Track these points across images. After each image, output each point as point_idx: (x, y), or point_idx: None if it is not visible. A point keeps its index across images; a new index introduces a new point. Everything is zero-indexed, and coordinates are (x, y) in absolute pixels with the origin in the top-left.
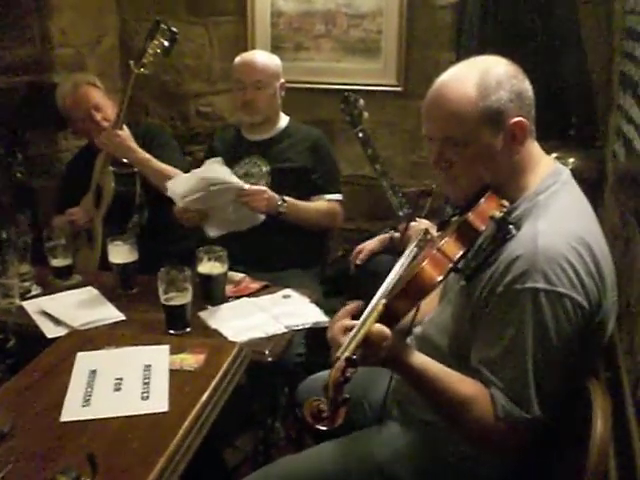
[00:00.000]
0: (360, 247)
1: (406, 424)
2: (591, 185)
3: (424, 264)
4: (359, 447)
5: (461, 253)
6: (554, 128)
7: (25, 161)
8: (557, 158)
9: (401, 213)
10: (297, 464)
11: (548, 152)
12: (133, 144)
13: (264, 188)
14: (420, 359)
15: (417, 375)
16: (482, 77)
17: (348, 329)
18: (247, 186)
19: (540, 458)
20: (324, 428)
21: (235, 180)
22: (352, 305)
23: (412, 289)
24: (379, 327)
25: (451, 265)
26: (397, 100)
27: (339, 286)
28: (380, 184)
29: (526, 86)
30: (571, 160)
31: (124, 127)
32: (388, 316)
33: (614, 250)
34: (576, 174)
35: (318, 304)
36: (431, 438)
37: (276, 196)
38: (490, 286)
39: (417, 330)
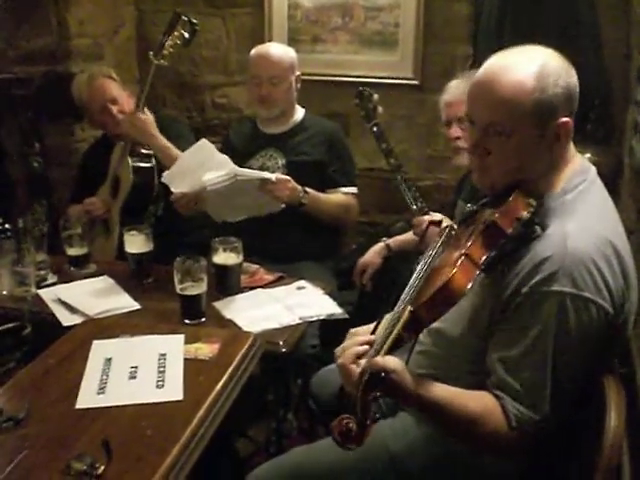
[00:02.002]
0: (361, 265)
1: (419, 416)
2: (607, 180)
3: (454, 272)
4: (372, 439)
5: (486, 256)
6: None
7: (42, 151)
8: None
9: (414, 207)
10: (309, 455)
11: None
12: (155, 130)
13: (288, 178)
14: (423, 388)
15: (423, 405)
16: (541, 69)
17: (360, 356)
18: (274, 177)
19: (553, 452)
20: (353, 447)
21: (264, 173)
22: (362, 338)
23: (441, 298)
24: (388, 359)
25: (478, 272)
26: (413, 93)
27: (353, 279)
28: (394, 178)
29: (576, 82)
30: (588, 155)
31: (147, 112)
32: (414, 324)
33: (630, 245)
34: None
35: (332, 296)
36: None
37: (298, 187)
38: (515, 285)
39: None
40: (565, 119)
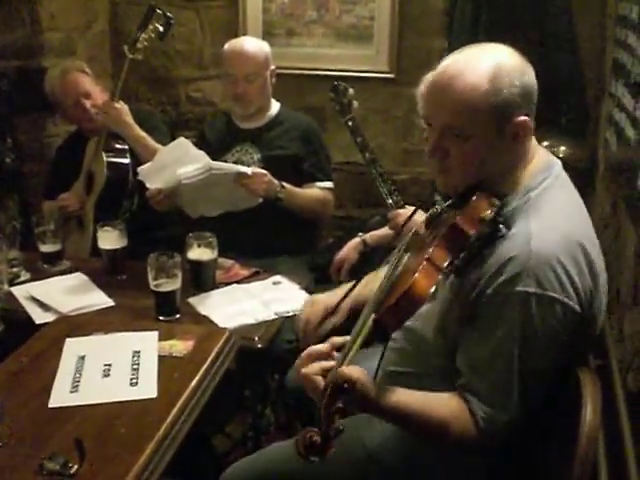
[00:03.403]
0: (338, 262)
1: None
2: (582, 173)
3: (416, 277)
4: (349, 434)
5: (451, 259)
6: (545, 116)
7: (14, 146)
8: (548, 146)
9: (390, 201)
10: (286, 450)
11: (539, 140)
12: (130, 119)
13: (264, 172)
14: (389, 398)
15: (390, 415)
16: (496, 71)
17: (326, 370)
18: (250, 171)
19: (530, 445)
20: (317, 459)
21: (240, 167)
22: (317, 349)
23: (403, 304)
24: (351, 369)
25: (441, 276)
26: (389, 87)
27: (329, 273)
28: (370, 172)
29: (534, 81)
30: (562, 148)
31: (122, 103)
32: (378, 330)
33: (604, 238)
34: (567, 162)
35: (308, 291)
36: None
37: (275, 181)
38: (481, 287)
39: None
40: (523, 118)
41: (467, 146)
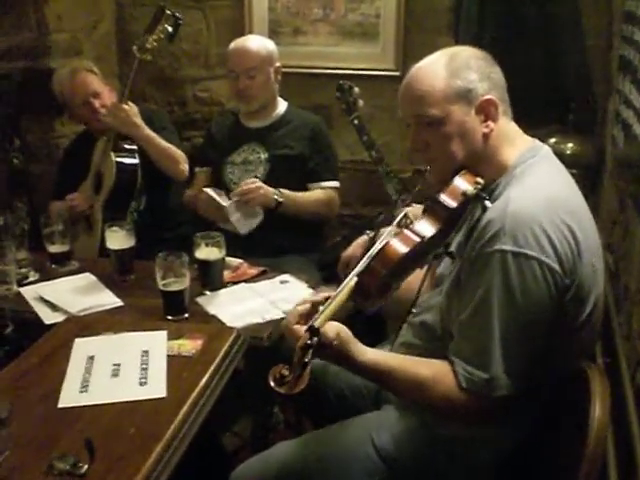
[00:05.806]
0: (345, 259)
1: (402, 408)
2: (590, 170)
3: (391, 240)
4: (358, 432)
5: (433, 231)
6: (553, 113)
7: (22, 147)
8: (556, 143)
9: (396, 199)
10: (296, 448)
11: (547, 138)
12: (139, 120)
13: (253, 180)
14: (371, 354)
15: (371, 371)
16: (451, 59)
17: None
18: (227, 205)
19: (537, 442)
20: (283, 392)
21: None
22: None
23: (378, 262)
24: (329, 325)
25: (419, 240)
26: (395, 85)
27: (337, 271)
28: (377, 170)
29: (496, 69)
30: (570, 145)
31: (130, 104)
32: (359, 291)
33: (613, 235)
34: (575, 159)
35: (316, 289)
36: (427, 422)
37: (271, 190)
38: (467, 255)
39: (411, 317)
40: (488, 96)
41: (442, 131)
